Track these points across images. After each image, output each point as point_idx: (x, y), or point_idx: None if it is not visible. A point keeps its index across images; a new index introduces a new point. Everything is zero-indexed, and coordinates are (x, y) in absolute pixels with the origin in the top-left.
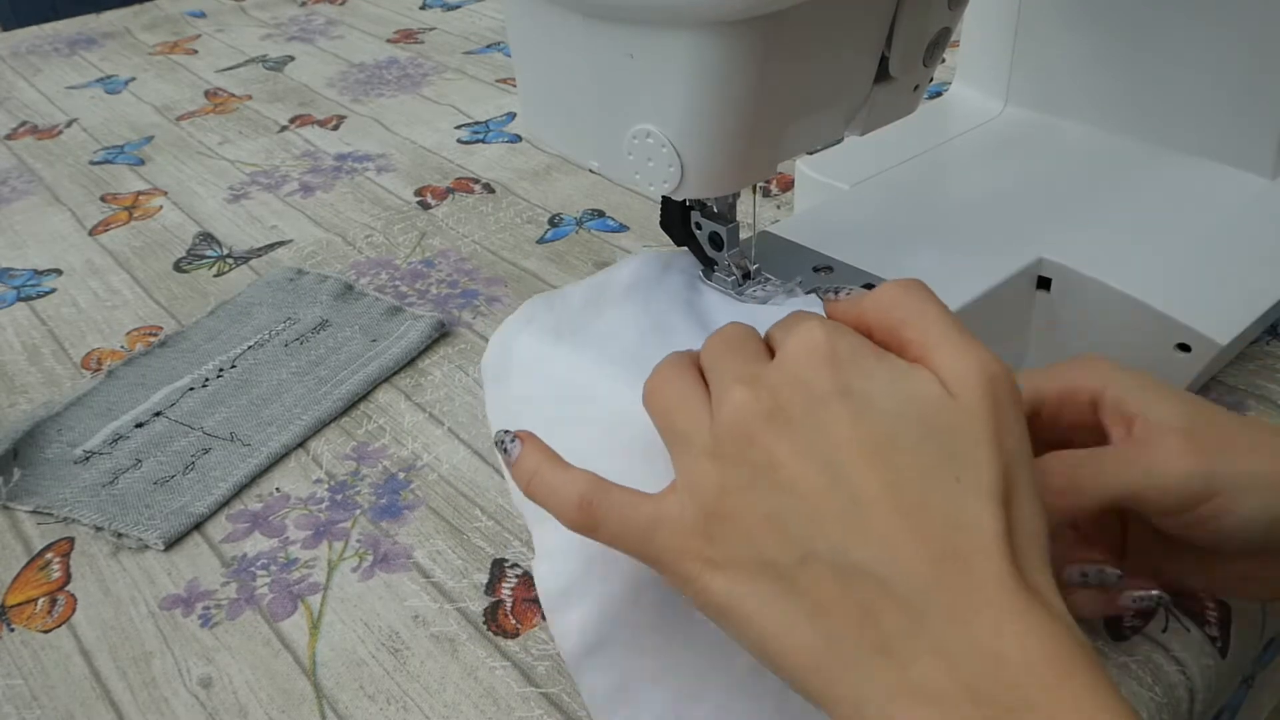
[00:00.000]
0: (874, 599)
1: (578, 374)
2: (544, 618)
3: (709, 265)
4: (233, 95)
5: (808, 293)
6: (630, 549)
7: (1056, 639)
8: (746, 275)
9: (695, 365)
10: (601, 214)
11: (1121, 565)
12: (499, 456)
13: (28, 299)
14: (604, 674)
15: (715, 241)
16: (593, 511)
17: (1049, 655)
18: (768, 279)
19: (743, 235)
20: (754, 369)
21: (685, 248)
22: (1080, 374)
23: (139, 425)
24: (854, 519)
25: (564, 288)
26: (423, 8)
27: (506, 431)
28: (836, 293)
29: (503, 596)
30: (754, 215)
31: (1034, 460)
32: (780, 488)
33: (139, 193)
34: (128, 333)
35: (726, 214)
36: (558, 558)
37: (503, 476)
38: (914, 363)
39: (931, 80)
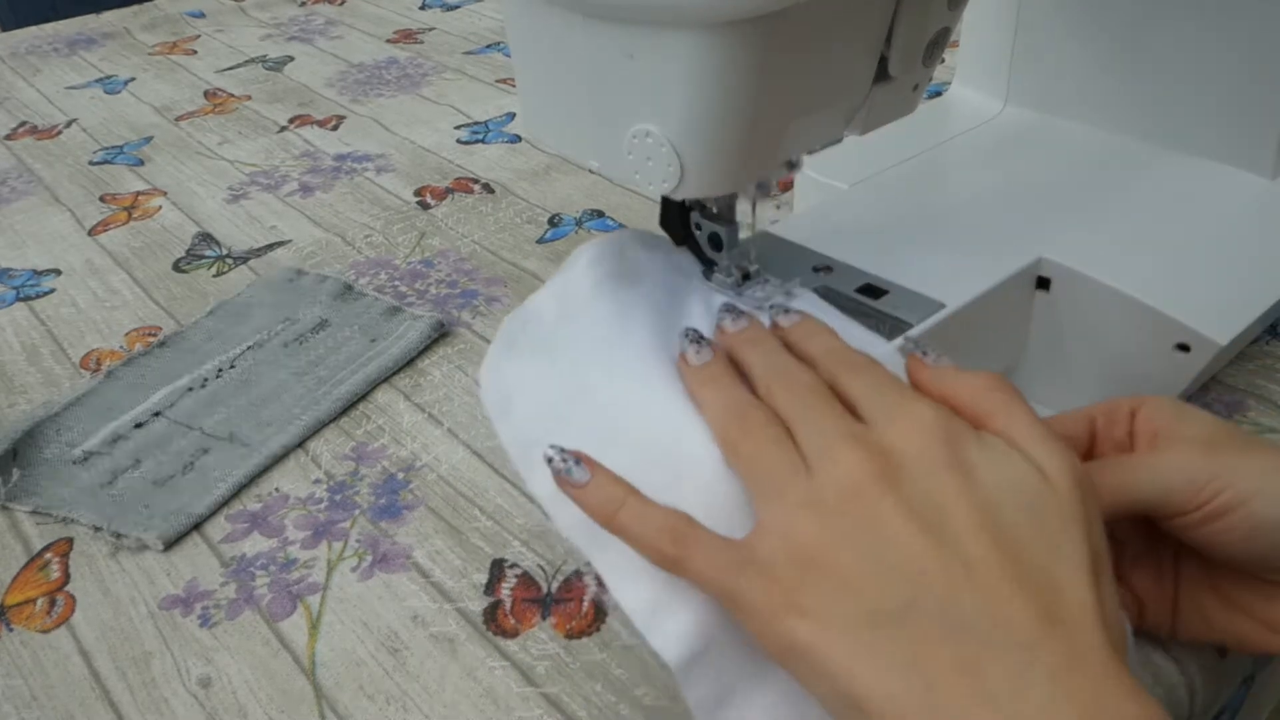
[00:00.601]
0: (979, 651)
1: (575, 382)
2: (544, 617)
3: (709, 265)
4: (232, 95)
5: (800, 290)
6: (714, 585)
7: (1150, 709)
8: (746, 276)
9: (769, 409)
10: (601, 214)
11: (1175, 618)
12: (551, 473)
13: (27, 299)
14: (710, 682)
15: (715, 242)
16: (684, 545)
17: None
18: (767, 279)
19: (742, 235)
20: (855, 428)
21: (662, 235)
22: (1130, 399)
23: (138, 425)
24: (960, 576)
25: (531, 299)
26: (422, 8)
27: (561, 449)
28: (925, 354)
29: (502, 596)
30: (754, 215)
31: None
32: (886, 541)
33: (138, 193)
34: (127, 333)
35: (726, 214)
36: (639, 576)
37: (504, 477)
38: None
39: (931, 80)
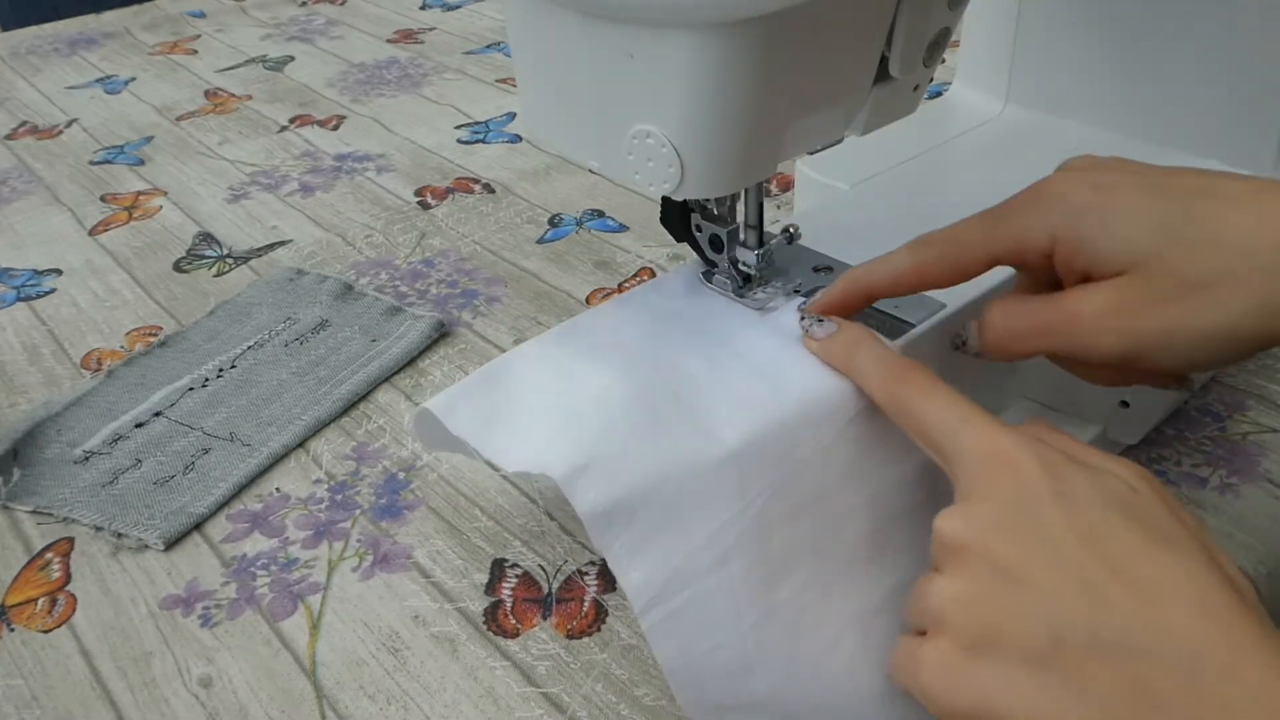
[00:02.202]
0: (1140, 668)
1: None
2: (544, 617)
3: (710, 266)
4: (233, 95)
5: (807, 293)
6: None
7: None
8: (746, 278)
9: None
10: (601, 214)
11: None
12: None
13: (28, 299)
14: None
15: (715, 244)
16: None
17: None
18: (768, 281)
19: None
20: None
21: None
22: (1030, 221)
23: (139, 425)
24: (1092, 600)
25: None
26: (423, 8)
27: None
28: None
29: (502, 596)
30: (760, 220)
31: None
32: (1015, 585)
33: (139, 193)
34: (127, 333)
35: (726, 215)
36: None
37: (505, 477)
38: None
39: (931, 80)
